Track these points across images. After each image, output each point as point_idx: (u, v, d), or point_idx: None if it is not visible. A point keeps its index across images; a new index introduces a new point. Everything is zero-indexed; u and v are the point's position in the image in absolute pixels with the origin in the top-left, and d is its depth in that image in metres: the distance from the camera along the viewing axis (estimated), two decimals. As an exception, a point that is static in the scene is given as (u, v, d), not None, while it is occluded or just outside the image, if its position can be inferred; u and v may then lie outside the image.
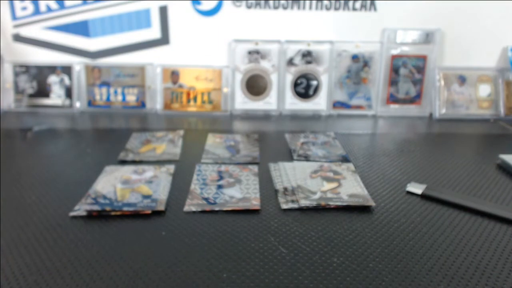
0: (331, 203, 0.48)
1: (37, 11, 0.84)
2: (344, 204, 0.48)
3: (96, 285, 0.35)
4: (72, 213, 0.46)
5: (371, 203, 0.49)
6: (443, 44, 0.86)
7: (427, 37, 0.85)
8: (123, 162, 0.61)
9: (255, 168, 0.58)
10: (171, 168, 0.58)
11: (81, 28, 0.85)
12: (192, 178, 0.55)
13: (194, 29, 0.85)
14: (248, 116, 0.86)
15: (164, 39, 0.86)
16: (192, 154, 0.64)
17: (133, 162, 0.61)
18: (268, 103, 0.86)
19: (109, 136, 0.73)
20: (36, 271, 0.37)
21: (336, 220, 0.46)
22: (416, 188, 0.52)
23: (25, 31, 0.86)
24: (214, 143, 0.69)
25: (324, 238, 0.42)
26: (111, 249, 0.40)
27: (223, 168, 0.58)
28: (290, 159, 0.63)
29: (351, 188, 0.52)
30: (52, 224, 0.44)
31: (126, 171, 0.57)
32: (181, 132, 0.74)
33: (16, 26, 0.85)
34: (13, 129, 0.76)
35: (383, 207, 0.49)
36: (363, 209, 0.48)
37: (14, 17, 0.85)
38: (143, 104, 0.86)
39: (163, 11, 0.84)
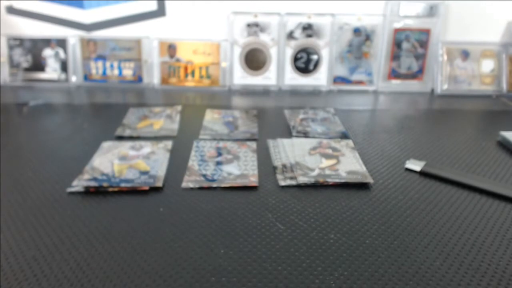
0: (329, 180, 0.48)
1: (29, -19, 0.82)
2: (342, 181, 0.48)
3: (94, 261, 0.35)
4: (69, 189, 0.46)
5: (369, 180, 0.48)
6: (446, 18, 0.84)
7: (431, 10, 0.82)
8: (120, 138, 0.60)
9: (253, 145, 0.58)
10: (169, 144, 0.58)
11: (75, -1, 0.83)
12: (190, 155, 0.55)
13: (191, 0, 0.83)
14: (247, 92, 0.84)
15: (160, 11, 0.84)
16: (190, 130, 0.64)
17: (130, 138, 0.61)
18: (267, 78, 0.85)
19: (106, 111, 0.72)
20: (34, 246, 0.37)
21: (334, 197, 0.46)
22: (415, 165, 0.52)
23: (18, 3, 0.83)
24: (212, 119, 0.68)
25: (322, 215, 0.42)
26: (109, 225, 0.40)
27: (221, 144, 0.58)
28: (289, 135, 0.62)
29: (349, 165, 0.52)
30: (49, 200, 0.44)
31: (124, 147, 0.56)
32: (179, 107, 0.73)
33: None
34: (9, 104, 0.75)
35: (381, 184, 0.49)
36: (361, 186, 0.48)
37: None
38: (140, 79, 0.85)
39: (159, -19, 0.82)
